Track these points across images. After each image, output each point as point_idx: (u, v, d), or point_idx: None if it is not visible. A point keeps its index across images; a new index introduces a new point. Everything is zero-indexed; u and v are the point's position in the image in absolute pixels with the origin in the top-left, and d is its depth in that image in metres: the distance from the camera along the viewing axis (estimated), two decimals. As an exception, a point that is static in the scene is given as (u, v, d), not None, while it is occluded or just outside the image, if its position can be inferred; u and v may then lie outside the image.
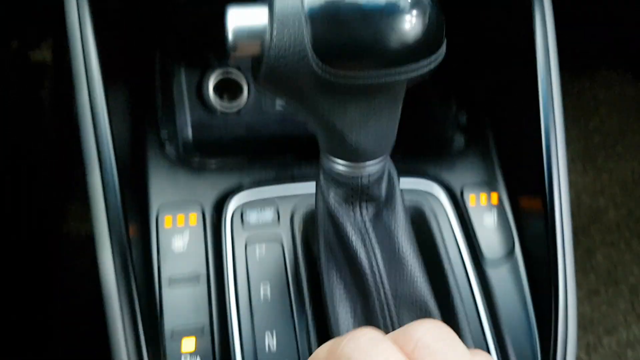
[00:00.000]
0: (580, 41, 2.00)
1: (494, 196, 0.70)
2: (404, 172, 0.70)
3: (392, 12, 0.43)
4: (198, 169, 0.69)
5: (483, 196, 0.70)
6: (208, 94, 0.91)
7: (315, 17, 0.42)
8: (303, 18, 0.42)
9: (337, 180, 0.54)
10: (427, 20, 0.44)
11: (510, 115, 0.73)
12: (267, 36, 0.42)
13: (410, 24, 0.43)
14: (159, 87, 0.78)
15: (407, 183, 0.69)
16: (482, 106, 0.78)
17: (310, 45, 0.42)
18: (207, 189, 0.67)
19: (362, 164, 0.53)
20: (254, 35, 0.43)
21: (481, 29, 0.77)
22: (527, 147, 0.67)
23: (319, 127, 0.50)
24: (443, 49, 0.47)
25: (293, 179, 0.69)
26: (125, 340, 0.54)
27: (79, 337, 1.36)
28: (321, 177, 0.56)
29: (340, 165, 0.53)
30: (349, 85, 0.44)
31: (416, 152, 0.79)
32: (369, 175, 0.54)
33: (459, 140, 0.78)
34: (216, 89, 0.93)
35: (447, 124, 0.81)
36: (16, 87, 1.58)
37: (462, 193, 0.70)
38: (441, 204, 0.68)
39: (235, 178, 0.69)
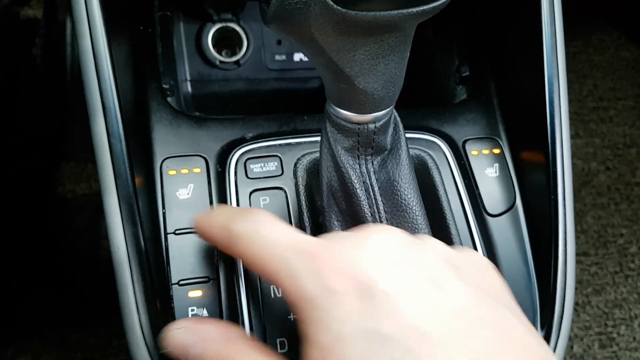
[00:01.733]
0: (575, 4, 1.99)
1: (496, 148, 0.71)
2: (406, 127, 0.70)
3: None
4: (201, 121, 0.68)
5: (485, 148, 0.71)
6: (207, 47, 0.90)
7: None
8: None
9: (344, 128, 0.54)
10: None
11: (513, 68, 0.73)
12: None
13: None
14: (159, 36, 0.77)
15: (409, 136, 0.69)
16: (485, 58, 0.77)
17: None
18: (211, 141, 0.67)
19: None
20: None
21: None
22: (530, 100, 0.67)
23: (326, 72, 0.50)
24: None
25: (296, 132, 0.69)
26: (134, 288, 0.55)
27: (84, 292, 1.36)
28: (327, 125, 0.56)
29: (347, 112, 0.53)
30: (359, 26, 0.44)
31: (418, 106, 0.80)
32: (376, 123, 0.54)
33: (461, 93, 0.78)
34: (215, 43, 0.92)
35: (449, 77, 0.81)
36: (7, 45, 1.55)
37: (464, 145, 0.71)
38: (444, 155, 0.68)
39: (238, 130, 0.68)
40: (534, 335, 0.42)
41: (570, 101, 1.95)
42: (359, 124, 0.54)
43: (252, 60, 0.93)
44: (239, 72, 0.93)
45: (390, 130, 0.57)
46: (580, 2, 1.95)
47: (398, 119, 0.58)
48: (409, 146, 0.67)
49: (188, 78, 0.90)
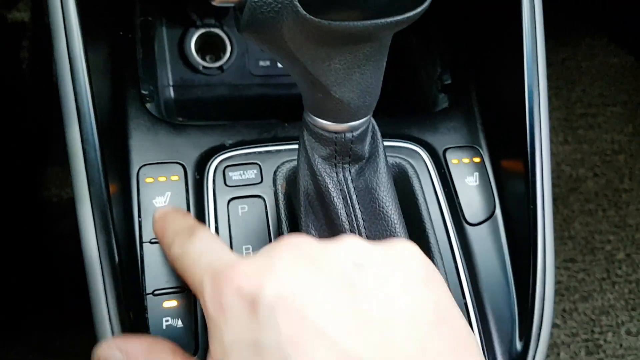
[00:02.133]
0: (565, 10, 2.00)
1: (477, 157, 0.71)
2: (387, 135, 0.70)
3: None
4: (180, 128, 0.68)
5: (465, 157, 0.70)
6: (190, 52, 0.90)
7: None
8: None
9: (321, 137, 0.54)
10: None
11: (494, 76, 0.73)
12: None
13: None
14: (139, 41, 0.77)
15: (390, 144, 0.69)
16: (467, 66, 0.77)
17: None
18: (189, 148, 0.66)
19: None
20: None
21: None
22: (510, 108, 0.67)
23: (302, 81, 0.50)
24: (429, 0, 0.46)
25: (276, 139, 0.69)
26: (106, 298, 0.54)
27: (67, 297, 1.35)
28: (305, 134, 0.55)
29: (325, 121, 0.53)
30: (333, 35, 0.43)
31: (400, 114, 0.79)
32: (354, 132, 0.54)
33: (443, 101, 0.78)
34: (199, 49, 0.91)
35: (431, 84, 0.81)
36: (-7, 48, 1.54)
37: (444, 153, 0.70)
38: (424, 163, 0.68)
39: (217, 137, 0.68)
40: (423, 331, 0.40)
41: (559, 107, 1.96)
42: (336, 132, 0.53)
43: (235, 65, 0.92)
44: (223, 78, 0.92)
45: (368, 138, 0.57)
46: (570, 8, 1.96)
47: (376, 127, 0.58)
48: (390, 154, 0.67)
49: (171, 83, 0.89)
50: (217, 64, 0.91)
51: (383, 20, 0.44)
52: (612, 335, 1.52)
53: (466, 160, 0.70)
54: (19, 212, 1.52)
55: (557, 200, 1.75)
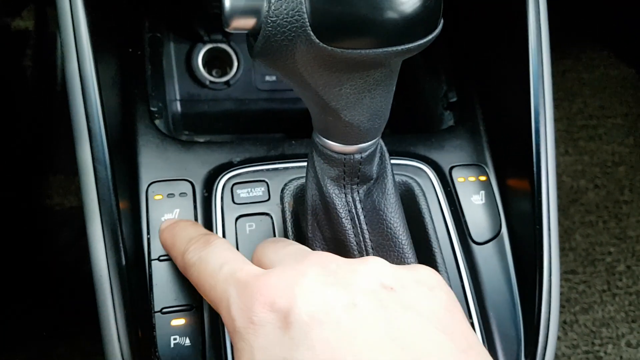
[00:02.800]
0: (566, 22, 2.01)
1: (482, 175, 0.71)
2: (393, 152, 0.70)
3: None
4: (188, 145, 0.68)
5: (471, 175, 0.71)
6: (197, 67, 0.90)
7: None
8: None
9: (330, 158, 0.54)
10: None
11: (500, 95, 0.73)
12: (265, 8, 0.42)
13: (411, 1, 0.43)
14: (148, 57, 0.77)
15: (396, 162, 0.70)
16: (472, 85, 0.78)
17: (308, 19, 0.42)
18: (198, 165, 0.67)
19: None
20: (251, 7, 0.43)
21: (472, 6, 0.77)
22: (516, 127, 0.68)
23: (313, 105, 0.50)
24: (440, 27, 0.47)
25: (284, 157, 0.69)
26: (115, 316, 0.54)
27: (68, 306, 1.35)
28: (314, 155, 0.56)
29: (334, 143, 0.53)
30: (345, 62, 0.44)
31: (405, 132, 0.80)
32: (362, 154, 0.54)
33: (449, 119, 0.78)
34: (205, 63, 0.92)
35: (437, 102, 0.82)
36: (-3, 56, 1.55)
37: (450, 171, 0.71)
38: (430, 182, 0.68)
39: (225, 154, 0.68)
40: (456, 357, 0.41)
41: (560, 119, 1.97)
42: (345, 154, 0.54)
43: (242, 80, 0.93)
44: (229, 92, 0.93)
45: (377, 159, 0.58)
46: (571, 20, 1.96)
47: (384, 148, 0.58)
48: (396, 172, 0.67)
49: (178, 98, 0.90)
50: (224, 79, 0.92)
51: (395, 48, 0.44)
52: (612, 347, 1.53)
53: (472, 179, 0.71)
54: (21, 220, 1.52)
55: (558, 211, 1.75)
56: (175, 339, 0.57)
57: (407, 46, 0.45)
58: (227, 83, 0.92)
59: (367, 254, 0.56)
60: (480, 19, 0.75)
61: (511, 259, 0.67)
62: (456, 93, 0.79)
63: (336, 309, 0.41)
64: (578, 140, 1.90)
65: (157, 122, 0.71)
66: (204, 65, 0.92)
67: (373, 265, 0.45)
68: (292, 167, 0.68)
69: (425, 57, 0.86)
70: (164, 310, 0.58)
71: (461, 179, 0.70)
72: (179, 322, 0.58)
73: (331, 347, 0.39)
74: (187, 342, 0.57)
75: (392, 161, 0.70)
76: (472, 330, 0.44)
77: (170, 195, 0.64)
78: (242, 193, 0.65)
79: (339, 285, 0.42)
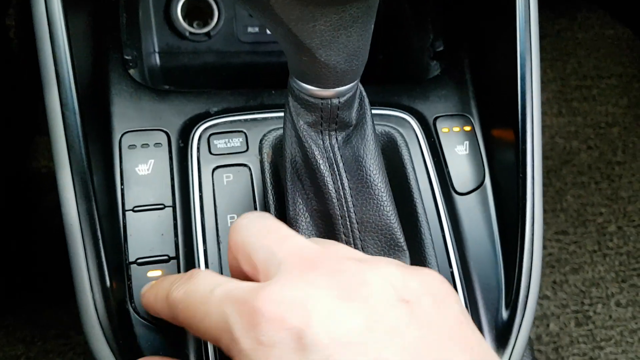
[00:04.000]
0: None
1: (467, 125, 0.69)
2: (376, 103, 0.68)
3: None
4: (163, 94, 0.66)
5: (456, 125, 0.69)
6: (177, 18, 0.87)
7: None
8: None
9: (307, 103, 0.52)
10: None
11: (487, 43, 0.71)
12: None
13: None
14: (123, 6, 0.74)
15: (379, 112, 0.68)
16: (459, 33, 0.75)
17: None
18: (173, 115, 0.65)
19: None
20: None
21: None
22: (502, 76, 0.66)
23: (287, 44, 0.48)
24: None
25: (263, 107, 0.67)
26: (88, 267, 0.53)
27: (54, 269, 1.35)
28: (290, 100, 0.54)
29: (311, 87, 0.51)
30: None
31: (391, 82, 0.78)
32: (340, 98, 0.52)
33: (435, 69, 0.76)
34: (186, 14, 0.89)
35: (423, 52, 0.79)
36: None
37: (435, 122, 0.69)
38: (414, 132, 0.67)
39: (202, 104, 0.66)
40: None
41: (554, 80, 1.94)
42: (322, 98, 0.52)
43: (223, 32, 0.90)
44: (210, 45, 0.90)
45: (356, 105, 0.56)
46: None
47: (364, 93, 0.56)
48: (379, 122, 0.66)
49: (156, 50, 0.87)
50: (204, 30, 0.89)
51: None
52: (602, 307, 1.53)
53: (456, 129, 0.69)
54: (7, 183, 1.50)
55: (550, 172, 1.74)
56: None
57: None
58: (207, 34, 0.89)
59: (346, 202, 0.55)
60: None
61: (494, 210, 0.66)
62: (443, 42, 0.76)
63: (356, 330, 0.38)
64: (572, 101, 1.88)
65: (132, 71, 0.69)
66: (185, 16, 0.89)
67: (385, 273, 0.42)
68: (272, 118, 0.66)
69: (412, 5, 0.84)
70: (139, 260, 0.57)
71: (445, 130, 0.68)
72: (155, 273, 0.57)
73: None
74: None
75: (375, 111, 0.68)
76: (484, 339, 0.43)
77: (145, 145, 0.62)
78: (220, 144, 0.63)
79: (354, 301, 0.39)
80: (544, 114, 1.84)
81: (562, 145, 1.79)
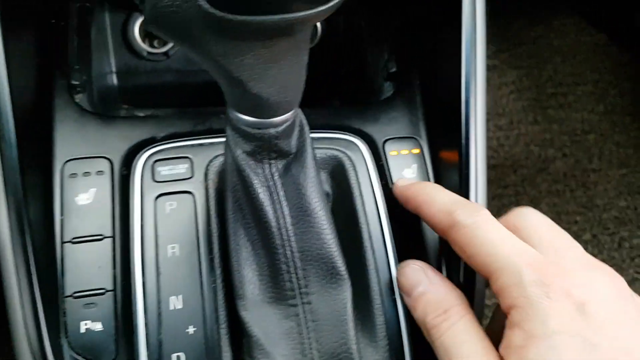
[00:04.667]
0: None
1: (416, 148, 0.69)
2: (325, 126, 0.68)
3: None
4: (109, 120, 0.65)
5: (404, 148, 0.69)
6: (134, 38, 0.87)
7: None
8: None
9: (243, 132, 0.52)
10: None
11: (436, 65, 0.71)
12: None
13: None
14: (75, 29, 0.73)
15: (328, 136, 0.67)
16: (411, 55, 0.75)
17: None
18: (118, 141, 0.64)
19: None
20: None
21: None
22: (449, 98, 0.65)
23: (217, 76, 0.48)
24: None
25: (211, 131, 0.67)
26: (21, 301, 0.52)
27: None
28: (228, 129, 0.54)
29: (247, 117, 0.51)
30: (243, 29, 0.41)
31: (349, 101, 0.77)
32: (277, 128, 0.52)
33: (388, 90, 0.76)
34: (145, 34, 0.88)
35: (378, 72, 0.79)
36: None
37: (384, 145, 0.69)
38: (361, 155, 0.66)
39: (148, 130, 0.66)
40: None
41: (529, 87, 1.94)
42: (258, 128, 0.52)
43: (181, 51, 0.89)
44: (169, 64, 0.89)
45: (295, 133, 0.55)
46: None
47: (304, 121, 0.56)
48: (327, 146, 0.65)
49: (114, 70, 0.87)
50: (163, 50, 0.88)
51: (293, 15, 0.42)
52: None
53: (405, 152, 0.69)
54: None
55: (525, 181, 1.74)
56: (86, 324, 0.56)
57: (305, 13, 0.42)
58: (165, 54, 0.88)
59: (287, 231, 0.54)
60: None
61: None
62: (396, 63, 0.76)
63: (630, 317, 0.47)
64: (547, 108, 1.88)
65: (79, 96, 0.68)
66: (144, 36, 0.88)
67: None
68: (219, 142, 0.65)
69: (368, 24, 0.83)
70: (76, 294, 0.56)
71: (394, 153, 0.68)
72: (91, 307, 0.56)
73: (629, 343, 0.45)
74: (99, 327, 0.56)
75: (324, 135, 0.68)
76: None
77: (87, 173, 0.61)
78: (164, 170, 0.62)
79: (628, 303, 0.48)
80: (519, 122, 1.84)
81: (537, 153, 1.79)
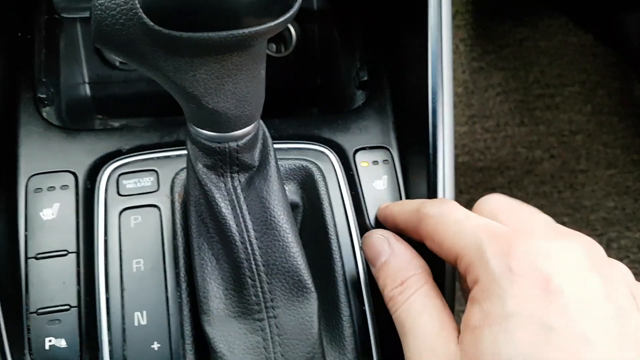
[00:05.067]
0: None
1: (386, 158, 0.69)
2: (295, 137, 0.68)
3: None
4: (74, 133, 0.65)
5: (375, 159, 0.68)
6: None
7: None
8: None
9: (203, 146, 0.51)
10: None
11: (405, 73, 0.70)
12: None
13: None
14: (42, 41, 0.73)
15: (298, 146, 0.67)
16: (382, 63, 0.75)
17: (138, 0, 0.38)
18: (83, 155, 0.63)
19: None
20: None
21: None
22: (417, 107, 0.65)
23: (171, 91, 0.47)
24: (297, 6, 0.43)
25: (178, 143, 0.66)
26: None
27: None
28: (188, 144, 0.53)
29: (206, 131, 0.50)
30: (191, 45, 0.41)
31: (322, 110, 0.77)
32: (238, 142, 0.52)
33: (360, 98, 0.75)
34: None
35: (350, 80, 0.78)
36: None
37: (355, 155, 0.68)
38: (331, 165, 0.66)
39: (114, 143, 0.65)
40: None
41: (516, 89, 1.94)
42: (218, 142, 0.51)
43: None
44: (141, 73, 0.89)
45: (258, 145, 0.55)
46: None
47: (267, 133, 0.55)
48: (296, 157, 0.65)
49: (86, 80, 0.86)
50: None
51: (242, 31, 0.41)
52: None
53: (376, 162, 0.68)
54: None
55: (512, 183, 1.74)
56: (50, 341, 0.55)
57: (255, 29, 0.41)
58: None
59: (251, 245, 0.54)
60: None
61: None
62: (367, 72, 0.76)
63: (598, 297, 0.43)
64: (534, 110, 1.88)
65: (46, 109, 0.67)
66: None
67: (622, 269, 0.48)
68: (186, 155, 0.65)
69: (341, 32, 0.83)
70: (40, 311, 0.56)
71: (364, 163, 0.68)
72: (54, 323, 0.55)
73: (588, 327, 0.41)
74: (63, 343, 0.55)
75: (293, 145, 0.67)
76: None
77: (51, 188, 0.61)
78: (129, 184, 0.62)
79: (602, 277, 0.44)
80: (506, 124, 1.84)
81: (525, 155, 1.79)
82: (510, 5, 1.99)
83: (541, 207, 1.57)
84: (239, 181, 0.54)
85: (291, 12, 0.43)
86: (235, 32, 0.40)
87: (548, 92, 1.92)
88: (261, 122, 0.54)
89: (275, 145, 0.56)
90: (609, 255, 0.49)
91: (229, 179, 0.54)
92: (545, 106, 1.89)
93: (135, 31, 0.39)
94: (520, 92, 1.89)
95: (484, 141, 1.81)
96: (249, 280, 0.54)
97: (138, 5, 0.38)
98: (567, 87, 1.94)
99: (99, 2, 0.38)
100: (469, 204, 0.59)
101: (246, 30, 0.41)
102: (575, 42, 2.02)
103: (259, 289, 0.54)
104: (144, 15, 0.38)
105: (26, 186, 0.60)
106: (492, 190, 1.72)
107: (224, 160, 0.52)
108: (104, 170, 0.62)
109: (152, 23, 0.39)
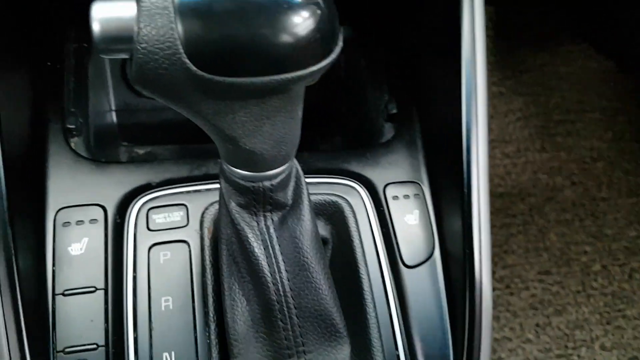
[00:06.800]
0: (543, 15, 1.96)
1: (417, 193, 0.67)
2: (324, 171, 0.67)
3: (275, 9, 0.38)
4: (103, 166, 0.64)
5: (406, 193, 0.67)
6: None
7: (186, 11, 0.37)
8: (172, 11, 0.37)
9: (237, 185, 0.51)
10: (317, 18, 0.40)
11: (437, 108, 0.69)
12: (135, 30, 0.38)
13: (296, 23, 0.39)
14: (72, 69, 0.73)
15: (327, 181, 0.66)
16: (411, 96, 0.74)
17: (182, 46, 0.38)
18: (112, 188, 0.63)
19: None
20: (122, 33, 0.39)
21: (412, 20, 0.72)
22: (450, 142, 0.64)
23: (209, 132, 0.47)
24: (338, 49, 0.42)
25: (207, 177, 0.65)
26: (10, 357, 0.50)
27: None
28: (222, 181, 0.52)
29: (240, 171, 0.50)
30: (232, 89, 0.40)
31: (343, 147, 0.76)
32: (272, 181, 0.51)
33: (389, 131, 0.74)
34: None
35: (378, 113, 0.77)
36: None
37: (385, 189, 0.67)
38: (361, 201, 0.65)
39: (144, 175, 0.64)
40: None
41: (537, 115, 1.93)
42: (252, 182, 0.50)
43: None
44: None
45: (292, 184, 0.54)
46: (548, 13, 1.92)
47: (300, 172, 0.55)
48: (326, 192, 0.64)
49: (113, 108, 0.86)
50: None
51: (285, 76, 0.40)
52: (586, 350, 1.50)
53: (406, 197, 0.67)
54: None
55: (533, 210, 1.71)
56: None
57: (297, 74, 0.41)
58: None
59: (283, 286, 0.53)
60: (417, 26, 0.71)
61: (443, 283, 0.63)
62: (396, 104, 0.75)
63: None
64: (555, 136, 1.86)
65: (74, 140, 0.67)
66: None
67: None
68: (216, 189, 0.64)
69: (369, 64, 0.82)
70: (67, 350, 0.55)
71: (395, 198, 0.66)
72: None
73: None
74: None
75: (322, 180, 0.66)
76: None
77: (80, 222, 0.60)
78: (158, 218, 0.61)
79: None
80: (526, 150, 1.82)
81: (545, 181, 1.76)
82: (531, 30, 1.98)
83: (562, 236, 1.55)
84: (272, 220, 0.53)
85: (333, 55, 0.42)
86: (278, 77, 0.40)
87: (569, 118, 1.90)
88: (295, 160, 0.53)
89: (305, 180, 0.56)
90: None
91: (262, 218, 0.53)
92: (566, 132, 1.87)
93: (178, 75, 0.39)
94: (541, 117, 1.88)
95: (504, 167, 1.80)
96: (280, 323, 0.52)
97: (182, 51, 0.38)
98: (588, 114, 1.92)
99: (142, 45, 0.38)
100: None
101: (289, 75, 0.40)
102: (596, 67, 2.01)
103: (290, 332, 0.53)
104: (187, 61, 0.38)
105: (54, 220, 0.60)
106: (513, 217, 1.70)
107: (258, 199, 0.51)
108: (134, 204, 0.61)
109: (195, 68, 0.38)
